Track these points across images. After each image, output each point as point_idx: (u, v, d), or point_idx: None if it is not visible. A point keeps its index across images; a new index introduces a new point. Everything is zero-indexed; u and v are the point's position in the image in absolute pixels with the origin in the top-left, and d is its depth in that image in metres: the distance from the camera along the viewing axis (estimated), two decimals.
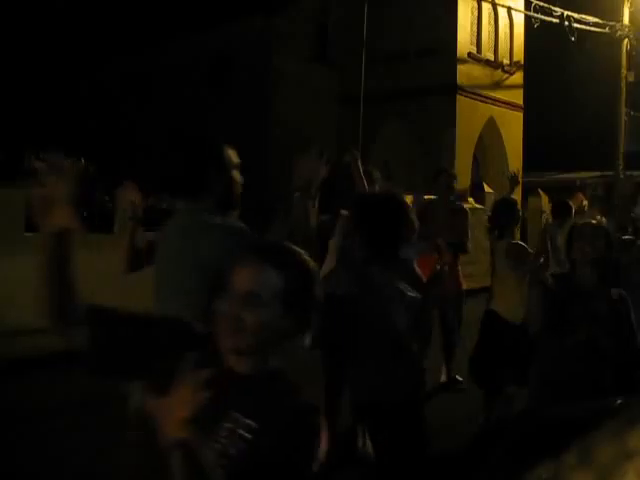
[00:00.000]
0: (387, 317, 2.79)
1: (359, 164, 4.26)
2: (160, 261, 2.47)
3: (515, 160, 20.43)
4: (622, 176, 17.37)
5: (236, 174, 2.43)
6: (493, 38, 19.41)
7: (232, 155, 2.42)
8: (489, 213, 5.39)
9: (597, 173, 22.03)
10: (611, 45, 17.14)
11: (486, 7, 18.84)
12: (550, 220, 7.86)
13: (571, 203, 7.13)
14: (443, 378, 5.97)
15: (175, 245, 2.35)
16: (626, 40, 16.96)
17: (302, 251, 1.55)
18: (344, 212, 3.75)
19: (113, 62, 21.08)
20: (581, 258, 3.02)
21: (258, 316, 1.42)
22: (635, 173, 18.48)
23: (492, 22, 19.40)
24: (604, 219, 5.35)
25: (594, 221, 3.28)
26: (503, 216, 4.89)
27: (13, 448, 4.24)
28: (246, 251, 1.52)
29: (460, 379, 5.83)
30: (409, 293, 2.82)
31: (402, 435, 2.79)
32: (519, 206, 5.12)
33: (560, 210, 6.95)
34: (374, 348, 2.85)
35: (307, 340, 1.51)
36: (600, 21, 16.54)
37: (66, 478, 3.90)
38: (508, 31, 19.87)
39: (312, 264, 1.54)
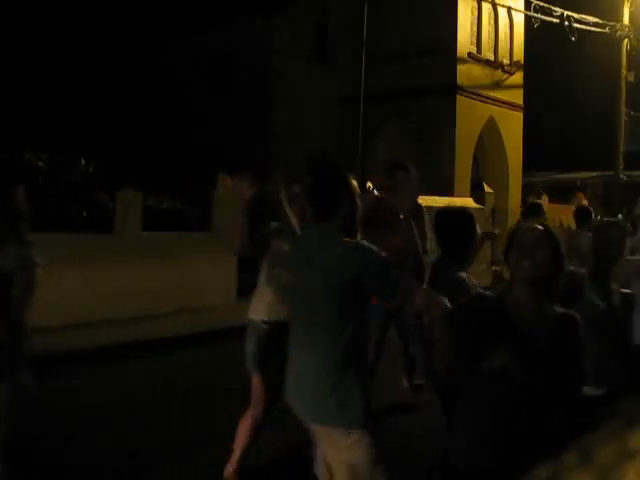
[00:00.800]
0: None
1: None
2: (293, 268, 2.92)
3: (515, 160, 20.43)
4: (622, 176, 17.38)
5: (359, 201, 2.80)
6: (493, 38, 19.40)
7: (355, 184, 2.81)
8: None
9: (597, 173, 22.04)
10: (611, 45, 17.15)
11: (486, 7, 18.84)
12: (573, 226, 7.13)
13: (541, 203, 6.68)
14: (405, 384, 5.84)
15: (307, 256, 2.76)
16: (626, 40, 16.97)
17: None
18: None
19: (113, 62, 21.08)
20: (518, 274, 2.34)
21: None
22: (635, 173, 18.50)
23: (492, 22, 19.40)
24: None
25: (539, 226, 2.44)
26: (532, 218, 5.55)
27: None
28: None
29: (421, 382, 5.60)
30: (478, 289, 3.20)
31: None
32: (544, 208, 6.13)
33: (530, 210, 6.24)
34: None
35: None
36: (600, 21, 16.55)
37: None
38: (508, 31, 19.86)
39: None
